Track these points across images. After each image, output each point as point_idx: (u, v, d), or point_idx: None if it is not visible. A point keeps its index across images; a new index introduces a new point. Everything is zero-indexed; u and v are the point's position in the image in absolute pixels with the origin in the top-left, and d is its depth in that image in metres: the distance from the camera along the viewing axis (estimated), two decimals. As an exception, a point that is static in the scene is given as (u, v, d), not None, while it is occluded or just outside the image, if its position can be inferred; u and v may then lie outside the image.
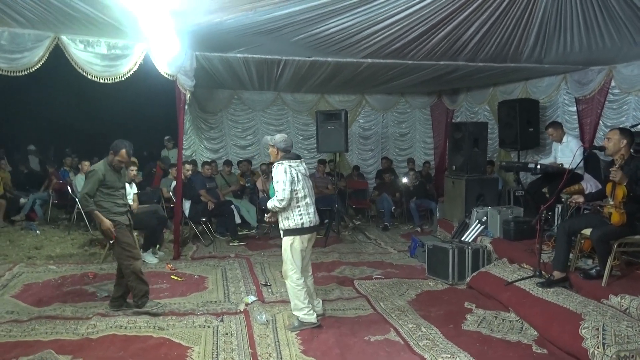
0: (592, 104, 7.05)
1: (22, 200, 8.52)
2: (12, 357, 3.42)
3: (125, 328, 3.98)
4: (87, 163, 8.34)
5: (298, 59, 6.60)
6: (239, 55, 6.38)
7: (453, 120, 9.87)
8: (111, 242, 4.35)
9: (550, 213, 5.61)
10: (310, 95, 9.95)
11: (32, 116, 12.56)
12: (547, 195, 6.04)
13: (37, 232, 7.55)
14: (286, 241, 4.05)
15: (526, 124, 7.48)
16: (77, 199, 7.53)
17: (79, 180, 7.90)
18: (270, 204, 4.00)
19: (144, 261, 6.02)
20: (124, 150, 4.28)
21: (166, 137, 9.95)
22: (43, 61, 5.27)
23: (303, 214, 4.02)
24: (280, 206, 3.91)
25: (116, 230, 4.23)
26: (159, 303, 4.35)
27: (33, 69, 5.27)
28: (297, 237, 4.02)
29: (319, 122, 7.74)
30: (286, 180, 3.91)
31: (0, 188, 8.51)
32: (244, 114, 9.95)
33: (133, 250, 4.36)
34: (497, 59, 6.49)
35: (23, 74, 5.27)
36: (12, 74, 5.25)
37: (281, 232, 4.11)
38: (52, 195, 8.70)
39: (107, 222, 4.18)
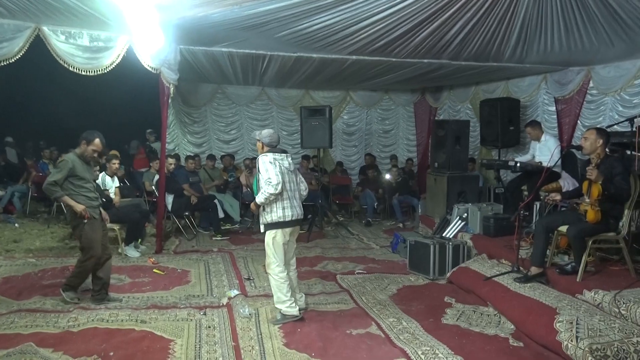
0: (570, 104, 7.20)
1: (0, 192, 8.36)
2: (-9, 350, 3.39)
3: (107, 321, 3.96)
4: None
5: (283, 54, 6.60)
6: (223, 49, 6.37)
7: (436, 118, 9.98)
8: (85, 221, 4.22)
9: (527, 212, 5.76)
10: (295, 91, 9.95)
11: (11, 108, 12.32)
12: (526, 193, 6.19)
13: (16, 225, 7.44)
14: (268, 235, 4.08)
15: (507, 122, 7.61)
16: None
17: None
18: (262, 196, 3.93)
19: (125, 255, 6.01)
20: (97, 140, 4.22)
21: (148, 131, 9.86)
22: (23, 52, 5.18)
23: (286, 207, 4.05)
24: (276, 191, 3.89)
25: (88, 220, 4.22)
26: (78, 299, 4.36)
27: (12, 60, 5.17)
28: (280, 231, 4.05)
29: (303, 118, 7.76)
30: (275, 167, 3.97)
31: (-23, 180, 8.36)
32: (227, 109, 9.90)
33: (94, 246, 4.28)
34: (480, 57, 6.59)
35: (1, 64, 5.18)
36: (-10, 64, 5.17)
37: (262, 227, 4.11)
38: (32, 188, 8.58)
39: (80, 205, 4.15)
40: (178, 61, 6.19)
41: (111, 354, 3.40)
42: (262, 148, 4.16)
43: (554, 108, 7.56)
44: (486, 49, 6.15)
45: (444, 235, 6.20)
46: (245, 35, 5.71)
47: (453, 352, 3.55)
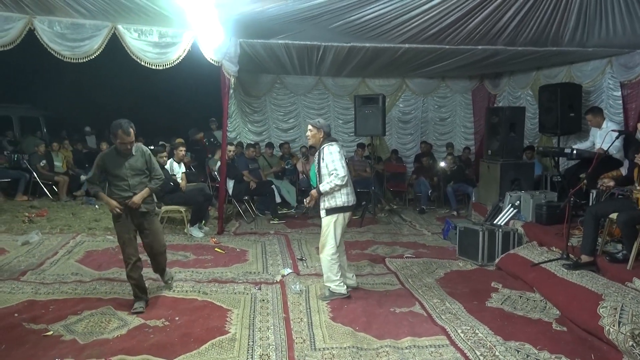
0: (637, 89, 6.87)
1: (82, 177, 9.24)
2: (78, 310, 3.92)
3: (173, 291, 4.42)
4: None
5: (337, 44, 6.81)
6: (280, 41, 6.67)
7: (495, 105, 9.79)
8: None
9: (584, 200, 5.64)
10: (351, 80, 10.12)
11: (90, 101, 13.46)
12: (585, 181, 6.04)
13: (96, 206, 8.21)
14: (330, 219, 4.27)
15: (567, 108, 7.37)
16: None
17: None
18: (327, 186, 4.14)
19: (190, 234, 6.52)
20: (120, 131, 3.83)
21: (211, 119, 10.43)
22: (101, 49, 5.74)
23: (350, 193, 4.29)
24: (342, 183, 4.15)
25: (116, 224, 4.07)
26: (146, 302, 4.06)
27: (93, 56, 5.75)
28: (342, 215, 4.29)
29: (357, 106, 7.94)
30: (342, 158, 4.22)
31: (63, 165, 9.29)
32: (286, 98, 10.27)
33: (126, 249, 4.02)
34: (538, 42, 6.45)
35: (84, 60, 5.78)
36: (74, 60, 5.77)
37: (323, 212, 4.28)
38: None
39: (112, 202, 3.96)
40: (238, 54, 6.57)
41: (177, 318, 3.83)
42: (322, 136, 4.30)
43: (619, 93, 7.23)
44: (543, 33, 6.03)
45: (495, 222, 6.19)
46: (301, 27, 5.97)
47: (493, 332, 3.66)
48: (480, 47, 6.65)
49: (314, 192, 4.29)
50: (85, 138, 12.01)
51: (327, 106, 10.34)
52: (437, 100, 10.73)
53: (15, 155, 9.20)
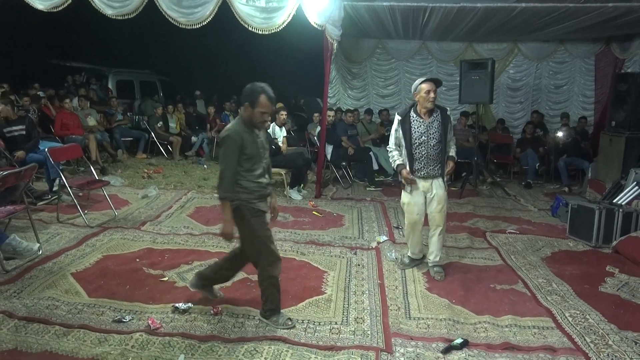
0: None
1: (193, 138, 9.92)
2: (189, 260, 4.27)
3: (274, 250, 4.62)
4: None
5: (445, 5, 6.45)
6: (384, 3, 6.47)
7: (622, 71, 8.74)
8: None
9: None
10: (457, 44, 9.59)
11: (201, 67, 14.25)
12: None
13: (205, 166, 8.80)
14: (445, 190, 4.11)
15: None
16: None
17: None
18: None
19: (289, 197, 6.74)
20: (263, 96, 2.92)
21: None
22: (213, 15, 5.96)
23: None
24: None
25: (254, 220, 3.04)
26: (289, 320, 3.19)
27: (205, 22, 6.01)
28: None
29: (463, 72, 7.53)
30: None
31: (177, 127, 10.01)
32: (387, 64, 10.03)
33: (270, 246, 3.12)
34: (684, -3, 5.60)
35: (197, 27, 6.07)
36: (188, 27, 6.09)
37: (442, 181, 4.08)
38: (216, 135, 9.98)
39: (229, 227, 3.01)
40: (342, 17, 6.50)
41: (276, 275, 4.02)
42: None
43: None
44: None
45: (615, 201, 5.61)
46: (407, -13, 5.73)
47: (606, 320, 3.39)
48: (610, 4, 5.92)
49: (451, 161, 4.06)
50: (196, 102, 12.80)
51: (430, 72, 9.92)
52: (552, 66, 9.81)
53: (137, 117, 10.11)
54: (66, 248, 4.42)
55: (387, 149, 4.23)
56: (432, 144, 3.97)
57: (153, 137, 9.67)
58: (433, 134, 3.97)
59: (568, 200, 5.84)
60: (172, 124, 9.99)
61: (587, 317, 3.43)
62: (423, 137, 3.97)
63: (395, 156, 4.12)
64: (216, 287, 3.57)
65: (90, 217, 5.37)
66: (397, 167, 4.12)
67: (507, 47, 9.62)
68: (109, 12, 5.95)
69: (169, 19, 5.98)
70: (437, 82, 3.95)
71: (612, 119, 7.02)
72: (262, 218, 3.11)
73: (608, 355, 2.94)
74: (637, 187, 5.63)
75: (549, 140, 8.70)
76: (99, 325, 3.10)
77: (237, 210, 3.01)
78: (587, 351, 2.98)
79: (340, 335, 3.10)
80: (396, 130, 4.08)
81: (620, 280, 4.14)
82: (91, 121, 8.75)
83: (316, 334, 3.12)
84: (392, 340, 3.07)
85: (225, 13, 6.03)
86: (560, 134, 8.41)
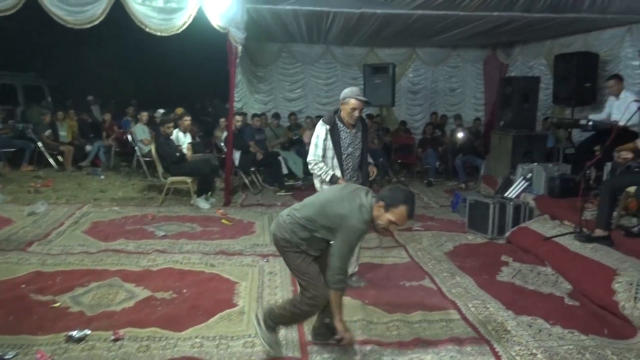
0: (658, 58, 6.65)
1: (88, 147, 9.18)
2: (85, 282, 3.89)
3: (181, 263, 4.38)
4: (145, 114, 8.85)
5: (347, 10, 6.59)
6: (288, 7, 6.46)
7: (507, 75, 9.55)
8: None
9: (599, 172, 5.51)
10: (360, 49, 9.88)
11: (95, 70, 13.28)
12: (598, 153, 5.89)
13: (102, 177, 8.18)
14: None
15: (583, 79, 7.15)
16: (136, 149, 8.12)
17: (138, 130, 8.41)
18: None
19: (197, 206, 6.47)
20: (403, 207, 2.63)
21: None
22: (105, 14, 5.53)
23: None
24: None
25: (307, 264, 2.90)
26: (276, 344, 2.95)
27: (97, 22, 5.56)
28: None
29: (367, 76, 7.75)
30: None
31: (69, 135, 9.21)
32: (292, 67, 10.07)
33: (317, 283, 2.85)
34: (556, 8, 6.21)
35: (87, 27, 5.59)
36: (77, 26, 5.58)
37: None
38: (114, 143, 9.33)
39: (349, 334, 2.90)
40: (245, 20, 6.37)
41: (184, 290, 3.79)
42: None
43: (638, 63, 7.00)
44: (562, -2, 5.80)
45: (505, 195, 6.09)
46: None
47: (504, 307, 3.61)
48: (495, 13, 6.42)
49: (374, 167, 4.14)
50: (90, 108, 11.89)
51: (334, 75, 10.14)
52: (447, 70, 10.49)
53: (21, 125, 9.13)
54: None
55: (310, 160, 3.94)
56: (356, 155, 3.95)
57: (40, 147, 8.80)
58: (358, 144, 3.94)
59: (465, 196, 6.22)
60: (62, 132, 9.16)
61: (488, 306, 3.65)
62: (350, 148, 3.89)
63: (325, 167, 3.90)
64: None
65: (-36, 240, 4.73)
66: (331, 178, 3.85)
67: (407, 52, 10.10)
68: (-19, 8, 5.29)
69: (54, 17, 5.45)
70: (366, 103, 3.87)
71: (500, 120, 7.62)
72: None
73: (507, 340, 3.13)
74: (524, 182, 6.16)
75: (447, 140, 9.24)
76: (-25, 366, 2.70)
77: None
78: (489, 339, 3.15)
79: (255, 349, 2.99)
80: (324, 140, 3.86)
81: (514, 268, 4.46)
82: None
83: (229, 349, 2.98)
84: (308, 348, 3.02)
85: (120, 12, 5.62)
86: (460, 134, 8.97)
